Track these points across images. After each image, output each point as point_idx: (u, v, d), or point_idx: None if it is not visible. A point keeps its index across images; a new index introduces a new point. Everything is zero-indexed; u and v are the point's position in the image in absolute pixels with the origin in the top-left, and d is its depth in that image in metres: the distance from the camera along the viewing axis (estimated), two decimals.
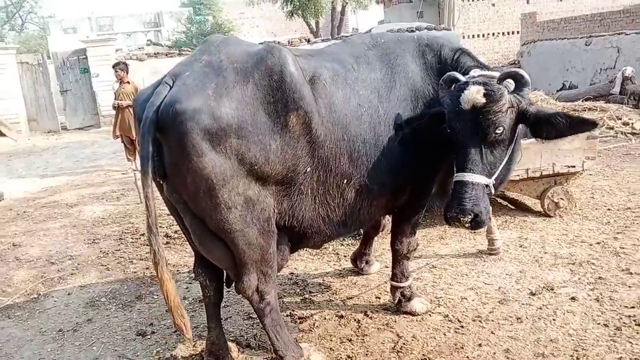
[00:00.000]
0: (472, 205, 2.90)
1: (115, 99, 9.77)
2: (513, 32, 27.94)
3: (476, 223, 2.94)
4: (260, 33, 39.75)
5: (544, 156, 5.21)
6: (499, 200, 6.18)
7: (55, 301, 4.53)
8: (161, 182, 2.89)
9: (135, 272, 5.01)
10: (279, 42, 19.39)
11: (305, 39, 20.74)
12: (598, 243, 4.74)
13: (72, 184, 9.58)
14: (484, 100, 2.88)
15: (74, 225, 6.77)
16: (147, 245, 5.71)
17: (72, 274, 5.11)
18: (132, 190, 8.44)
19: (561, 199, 5.43)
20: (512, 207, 5.98)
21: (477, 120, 2.91)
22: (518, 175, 5.23)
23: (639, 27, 15.32)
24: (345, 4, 28.16)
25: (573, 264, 4.37)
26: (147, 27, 56.65)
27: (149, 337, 3.80)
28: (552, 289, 3.96)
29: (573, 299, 3.80)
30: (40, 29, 57.35)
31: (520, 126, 3.07)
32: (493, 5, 28.84)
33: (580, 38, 15.08)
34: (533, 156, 5.19)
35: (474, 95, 2.90)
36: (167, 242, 5.70)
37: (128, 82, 9.81)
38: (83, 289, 4.75)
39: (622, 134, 9.31)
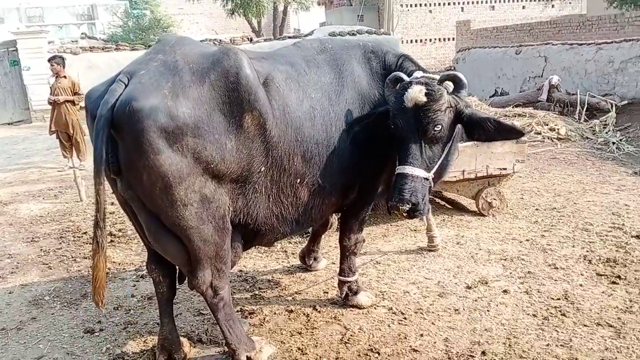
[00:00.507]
0: (411, 195, 3.13)
1: (50, 94, 9.44)
2: (449, 39, 28.96)
3: (414, 212, 3.18)
4: (200, 30, 39.06)
5: (478, 159, 5.54)
6: (437, 200, 6.50)
7: None
8: (115, 179, 2.92)
9: (79, 271, 4.93)
10: (220, 41, 19.24)
11: (248, 38, 20.67)
12: (527, 240, 5.11)
13: (4, 181, 9.17)
14: (425, 99, 3.12)
15: (10, 224, 6.52)
16: (89, 243, 5.62)
17: (12, 273, 4.96)
18: (70, 187, 8.20)
19: (494, 199, 5.80)
20: (450, 207, 6.30)
21: (418, 118, 3.15)
22: (455, 177, 5.54)
23: (565, 38, 16.34)
24: (287, 4, 28.26)
25: (505, 259, 4.70)
26: (80, 19, 54.44)
27: (97, 334, 3.79)
28: (487, 283, 4.25)
29: (505, 291, 4.11)
30: None
31: (458, 126, 3.32)
32: (430, 12, 29.76)
33: (511, 47, 15.89)
34: (468, 159, 5.51)
35: (416, 94, 3.13)
36: (112, 241, 5.61)
37: (65, 77, 9.52)
38: (24, 287, 4.63)
39: (548, 139, 9.94)
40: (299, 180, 3.23)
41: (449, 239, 5.23)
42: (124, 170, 2.83)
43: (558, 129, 10.18)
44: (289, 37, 20.83)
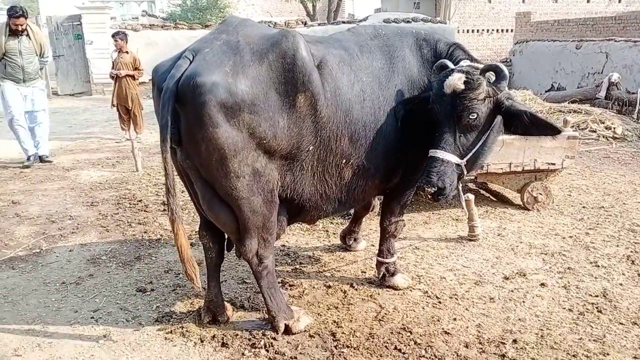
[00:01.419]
0: (438, 179, 3.24)
1: (112, 68, 9.88)
2: (507, 30, 28.18)
3: (439, 195, 3.28)
4: (255, 12, 39.40)
5: (526, 152, 5.52)
6: (482, 191, 6.51)
7: (57, 256, 4.77)
8: (175, 149, 3.14)
9: (134, 235, 5.25)
10: (275, 24, 19.46)
11: (302, 22, 20.82)
12: (570, 237, 5.08)
13: (66, 148, 9.70)
14: (463, 86, 3.19)
15: (71, 188, 6.95)
16: (144, 210, 5.96)
17: (72, 233, 5.33)
18: (126, 158, 8.62)
19: (540, 194, 5.76)
20: (494, 199, 6.30)
21: (454, 104, 3.23)
22: (501, 169, 5.54)
23: (629, 35, 15.70)
24: None
25: (545, 254, 4.70)
26: None
27: (148, 293, 4.06)
28: (524, 275, 4.29)
29: (543, 285, 4.13)
30: None
31: (498, 117, 3.38)
32: (489, 1, 29.01)
33: (572, 41, 15.40)
34: (516, 151, 5.49)
35: (455, 81, 3.20)
36: (165, 210, 5.92)
37: (127, 52, 9.92)
38: (84, 247, 4.98)
39: (603, 137, 9.68)
40: (344, 161, 3.36)
41: (490, 230, 5.26)
42: (184, 141, 3.02)
43: (614, 128, 9.89)
44: (343, 22, 20.83)
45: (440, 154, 3.27)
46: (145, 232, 5.30)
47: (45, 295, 4.06)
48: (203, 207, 3.27)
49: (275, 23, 19.87)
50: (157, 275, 4.35)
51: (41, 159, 8.41)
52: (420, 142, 3.53)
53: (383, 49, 3.59)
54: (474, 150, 3.35)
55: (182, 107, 2.94)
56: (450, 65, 3.41)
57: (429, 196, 3.29)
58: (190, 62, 2.99)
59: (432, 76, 3.50)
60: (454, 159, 3.28)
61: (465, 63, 3.43)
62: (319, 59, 3.22)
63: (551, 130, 3.34)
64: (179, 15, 27.84)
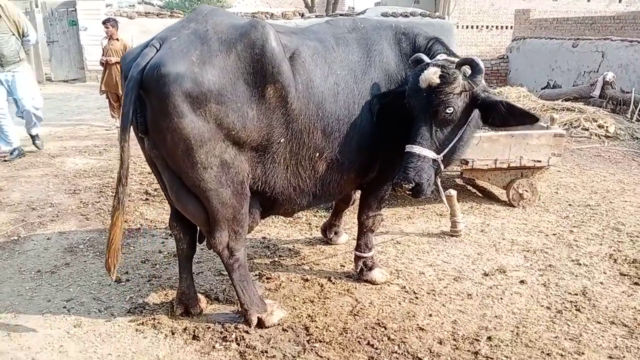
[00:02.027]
0: (415, 175, 3.18)
1: (103, 55, 9.79)
2: (506, 27, 28.05)
3: (417, 191, 3.23)
4: (254, 2, 39.20)
5: (512, 149, 5.47)
6: (468, 187, 6.47)
7: (34, 244, 4.71)
8: (143, 138, 3.08)
9: None
10: (272, 15, 19.33)
11: (299, 13, 20.68)
12: (554, 234, 5.05)
13: (55, 135, 9.62)
14: (438, 80, 3.13)
15: (55, 175, 6.88)
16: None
17: (52, 221, 5.27)
18: (114, 146, 8.55)
19: (526, 191, 5.72)
20: (479, 195, 6.26)
21: (430, 99, 3.17)
22: (487, 165, 5.50)
23: (627, 35, 15.62)
24: None
25: (527, 251, 4.67)
26: None
27: (123, 283, 4.01)
28: (504, 272, 4.25)
29: (522, 282, 4.10)
30: None
31: (475, 111, 3.31)
32: None
33: (569, 39, 15.33)
34: (502, 148, 5.45)
35: (430, 75, 3.15)
36: (147, 199, 5.88)
37: (117, 39, 9.83)
38: (62, 235, 4.92)
39: (596, 135, 9.63)
40: (317, 154, 3.30)
41: (474, 226, 5.22)
42: (151, 130, 2.98)
43: (607, 127, 9.83)
44: (341, 15, 20.73)
45: (416, 149, 3.21)
46: (125, 222, 5.20)
47: (20, 283, 4.01)
48: (171, 197, 3.23)
49: (272, 14, 19.73)
50: (134, 265, 4.30)
51: (32, 139, 8.14)
52: (396, 137, 3.47)
53: (360, 42, 3.52)
54: (450, 145, 3.30)
55: (147, 96, 2.89)
56: (426, 59, 3.35)
57: (407, 192, 3.24)
58: (157, 51, 2.93)
59: (408, 70, 3.44)
60: (430, 154, 3.23)
61: (441, 57, 3.37)
62: (292, 50, 3.15)
63: (529, 119, 3.26)
64: (176, 4, 27.70)
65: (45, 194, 6.11)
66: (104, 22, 9.70)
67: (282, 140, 3.16)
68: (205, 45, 2.92)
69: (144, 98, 2.91)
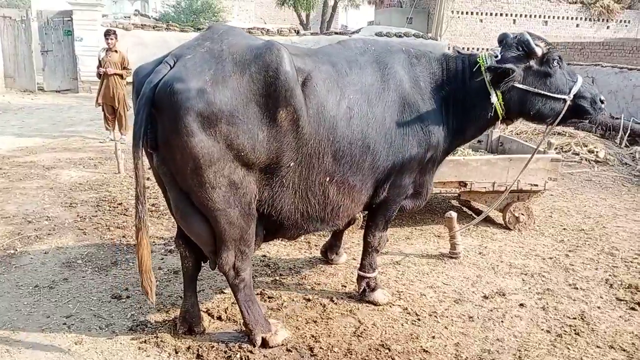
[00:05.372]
0: None
1: (100, 67, 9.78)
2: None
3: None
4: (249, 17, 39.43)
5: (510, 172, 5.54)
6: (464, 209, 6.52)
7: (31, 258, 4.66)
8: (152, 153, 3.09)
9: (112, 239, 5.15)
10: (268, 30, 19.46)
11: (295, 30, 20.85)
12: (550, 258, 5.10)
13: (48, 146, 9.56)
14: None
15: (50, 188, 6.83)
16: (123, 214, 5.87)
17: (48, 234, 5.22)
18: (109, 159, 8.51)
19: (522, 214, 5.79)
20: (475, 217, 6.30)
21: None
22: (485, 188, 5.56)
23: (616, 61, 15.93)
24: (338, 0, 28.32)
25: (525, 274, 4.71)
26: None
27: (124, 300, 3.98)
28: (504, 295, 4.29)
29: (522, 305, 4.14)
30: None
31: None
32: (481, 21, 29.35)
33: None
34: (500, 171, 5.51)
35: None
36: None
37: (116, 51, 9.83)
38: (59, 249, 4.88)
39: (586, 160, 9.78)
40: (328, 178, 3.32)
41: (472, 249, 5.26)
42: (161, 147, 2.99)
43: (597, 152, 10.01)
44: (336, 33, 20.93)
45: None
46: (123, 237, 5.21)
47: (17, 298, 3.96)
48: (176, 216, 3.23)
49: (267, 30, 19.85)
50: (134, 281, 4.27)
51: None
52: (411, 160, 3.51)
53: (373, 65, 3.56)
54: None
55: (159, 113, 2.91)
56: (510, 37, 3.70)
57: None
58: (171, 68, 2.95)
59: (425, 92, 3.60)
60: None
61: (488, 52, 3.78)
62: (305, 74, 3.17)
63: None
64: (172, 17, 27.75)
65: (41, 206, 6.05)
66: (105, 34, 9.68)
67: (291, 164, 3.17)
68: (219, 65, 2.95)
69: (156, 115, 2.92)
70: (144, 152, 3.00)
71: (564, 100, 3.67)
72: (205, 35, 3.21)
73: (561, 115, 3.70)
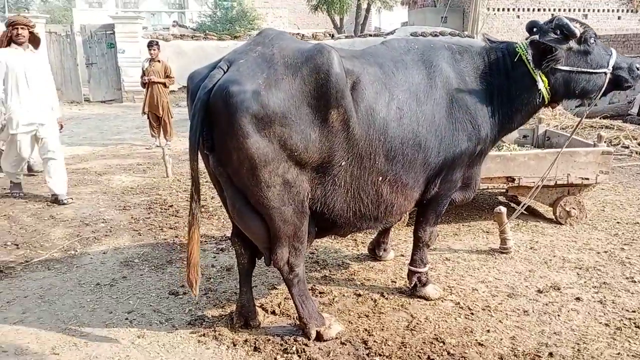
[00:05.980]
0: None
1: (143, 76, 10.09)
2: None
3: None
4: (283, 24, 39.87)
5: (559, 167, 5.44)
6: (512, 205, 6.43)
7: (91, 258, 4.85)
8: (208, 155, 3.19)
9: (165, 239, 5.32)
10: (303, 36, 19.64)
11: (329, 34, 20.99)
12: (605, 252, 4.99)
13: (98, 153, 9.91)
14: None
15: (104, 192, 7.09)
16: (174, 215, 6.04)
17: (106, 236, 5.43)
18: (157, 164, 8.76)
19: (573, 208, 5.67)
20: (525, 212, 6.21)
21: None
22: (533, 183, 5.47)
23: None
24: (371, 2, 28.35)
25: (580, 268, 4.62)
26: (171, 7, 57.33)
27: (181, 297, 4.10)
28: (559, 289, 4.22)
29: (578, 299, 4.06)
30: (65, 0, 57.87)
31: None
32: (518, 17, 28.93)
33: None
34: (549, 166, 5.41)
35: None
36: None
37: (158, 61, 10.14)
38: (117, 249, 5.06)
39: (636, 153, 9.51)
40: (380, 178, 3.36)
41: (522, 244, 5.19)
42: (217, 148, 3.08)
43: None
44: (370, 35, 20.94)
45: None
46: (176, 237, 5.36)
47: (81, 295, 4.13)
48: (233, 215, 3.32)
49: (302, 35, 20.04)
50: None
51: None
52: (462, 154, 3.52)
53: (419, 63, 3.58)
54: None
55: (215, 116, 3.00)
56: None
57: None
58: (224, 73, 3.04)
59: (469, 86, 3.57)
60: None
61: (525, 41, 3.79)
62: (354, 76, 3.21)
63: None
64: (209, 27, 28.31)
65: (96, 210, 6.29)
66: (149, 45, 10.02)
67: (343, 164, 3.21)
68: (271, 69, 3.02)
69: (211, 118, 3.02)
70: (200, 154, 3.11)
71: (605, 74, 3.77)
72: (257, 40, 3.30)
73: (604, 89, 3.80)
